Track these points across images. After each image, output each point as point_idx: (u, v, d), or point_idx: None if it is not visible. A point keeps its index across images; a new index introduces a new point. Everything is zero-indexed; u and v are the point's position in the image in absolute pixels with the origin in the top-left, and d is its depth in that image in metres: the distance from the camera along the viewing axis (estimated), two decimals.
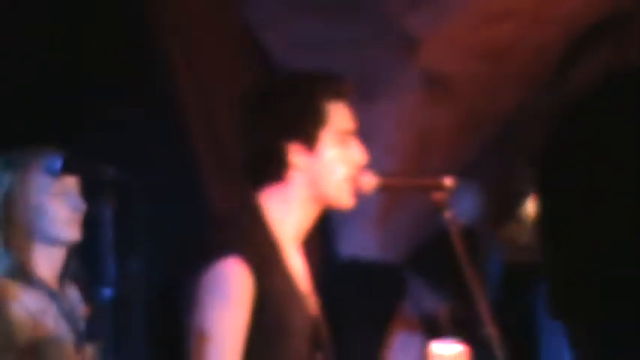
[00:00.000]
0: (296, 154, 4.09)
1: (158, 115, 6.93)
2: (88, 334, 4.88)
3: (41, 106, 6.69)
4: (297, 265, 4.21)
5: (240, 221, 4.14)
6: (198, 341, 3.99)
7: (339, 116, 4.14)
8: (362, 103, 4.45)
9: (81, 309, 4.98)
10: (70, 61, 6.93)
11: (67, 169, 4.45)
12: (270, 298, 4.03)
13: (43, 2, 6.79)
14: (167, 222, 6.30)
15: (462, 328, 4.88)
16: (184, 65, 6.79)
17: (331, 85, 4.19)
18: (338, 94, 4.18)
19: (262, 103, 4.18)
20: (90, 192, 4.68)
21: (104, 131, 6.87)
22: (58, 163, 4.37)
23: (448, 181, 4.35)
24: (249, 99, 4.24)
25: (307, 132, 4.10)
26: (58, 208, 4.80)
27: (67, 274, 4.93)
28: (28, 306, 4.81)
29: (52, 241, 4.84)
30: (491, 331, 4.24)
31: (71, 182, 4.80)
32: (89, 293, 4.88)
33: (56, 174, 4.51)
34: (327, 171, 4.14)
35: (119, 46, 6.95)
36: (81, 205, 4.78)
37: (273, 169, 4.13)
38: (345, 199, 4.19)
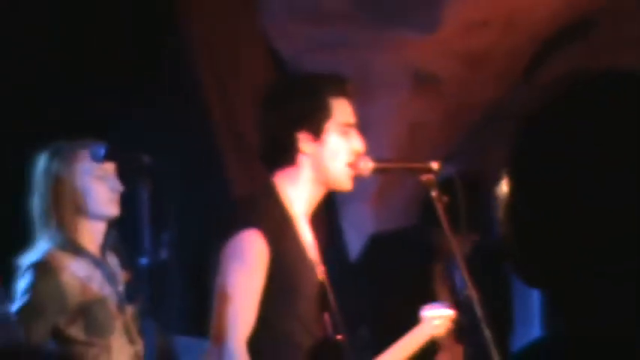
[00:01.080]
0: (304, 142, 4.15)
1: (187, 113, 6.94)
2: (128, 296, 4.94)
3: (85, 100, 6.64)
4: (306, 236, 4.26)
5: (259, 199, 4.20)
6: (219, 300, 4.05)
7: (341, 111, 4.20)
8: (361, 99, 4.50)
9: (121, 274, 5.03)
10: (113, 69, 6.88)
11: (109, 156, 4.49)
12: (282, 264, 4.07)
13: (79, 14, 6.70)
14: (194, 201, 6.33)
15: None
16: (209, 70, 6.80)
17: (335, 84, 4.24)
18: (341, 92, 4.23)
19: (277, 100, 4.23)
20: (129, 176, 4.74)
21: (141, 126, 6.87)
22: (102, 151, 4.41)
23: (434, 165, 4.40)
24: (265, 96, 4.30)
25: (314, 123, 4.16)
26: (100, 188, 4.86)
27: (107, 245, 5.00)
28: (77, 273, 4.84)
29: (95, 217, 4.90)
30: (471, 293, 4.30)
31: (110, 167, 4.86)
32: (129, 262, 4.94)
33: (100, 160, 4.55)
34: (330, 157, 4.19)
35: (157, 57, 6.95)
36: (118, 186, 4.85)
37: (286, 155, 4.18)
38: (344, 183, 4.25)
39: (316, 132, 4.16)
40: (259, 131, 4.30)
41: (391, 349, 4.86)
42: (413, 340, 4.80)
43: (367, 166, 4.27)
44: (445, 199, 4.33)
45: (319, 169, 4.19)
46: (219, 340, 4.01)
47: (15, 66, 6.54)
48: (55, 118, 6.46)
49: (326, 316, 4.27)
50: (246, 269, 4.03)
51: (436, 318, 4.81)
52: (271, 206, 4.15)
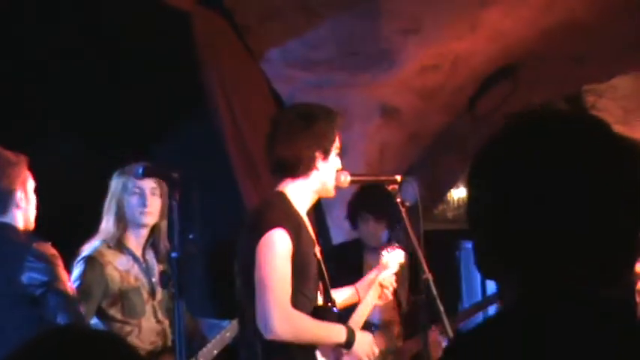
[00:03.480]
0: (318, 160, 4.16)
1: (209, 141, 6.91)
2: (162, 282, 4.89)
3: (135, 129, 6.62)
4: (309, 228, 4.26)
5: (277, 205, 4.18)
6: (263, 286, 4.01)
7: (337, 137, 4.24)
8: (341, 126, 4.48)
9: (156, 266, 5.00)
10: (161, 115, 6.85)
11: (146, 173, 4.44)
12: (301, 253, 4.13)
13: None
14: (213, 208, 6.28)
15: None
16: (225, 107, 6.75)
17: (338, 117, 4.26)
18: (338, 122, 4.27)
19: (304, 123, 4.21)
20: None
21: (175, 149, 6.85)
22: (140, 169, 4.37)
23: (398, 178, 4.39)
24: (293, 116, 4.26)
25: (327, 146, 4.19)
26: (135, 202, 4.87)
27: (147, 245, 4.98)
28: (119, 266, 4.86)
29: (132, 225, 4.91)
30: (427, 276, 4.25)
31: (147, 185, 4.86)
32: (164, 256, 4.93)
33: (139, 176, 4.51)
34: (331, 172, 4.22)
35: (190, 103, 6.92)
36: (145, 199, 4.87)
37: (304, 169, 4.18)
38: (331, 192, 4.27)
39: (327, 153, 4.18)
40: (280, 148, 4.22)
41: (360, 307, 4.73)
42: (371, 296, 4.71)
43: (346, 179, 4.29)
44: (407, 204, 4.31)
45: (321, 181, 4.21)
46: (278, 315, 3.96)
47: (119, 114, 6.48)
48: (145, 140, 6.52)
49: (321, 285, 4.28)
50: (279, 258, 4.02)
51: (392, 259, 4.75)
52: (289, 210, 4.14)
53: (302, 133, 4.17)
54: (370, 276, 4.71)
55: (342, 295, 4.65)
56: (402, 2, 6.23)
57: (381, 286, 4.67)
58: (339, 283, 4.63)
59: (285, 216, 4.10)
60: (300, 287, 4.09)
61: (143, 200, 4.86)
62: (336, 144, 4.24)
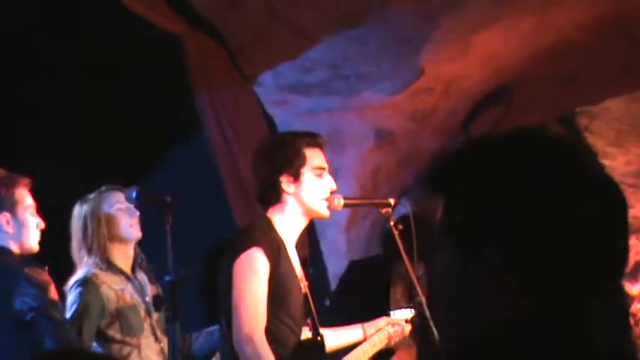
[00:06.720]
0: (286, 184, 4.18)
1: (202, 164, 6.91)
2: (156, 305, 4.91)
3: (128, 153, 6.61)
4: (294, 258, 4.26)
5: (258, 227, 4.21)
6: (237, 303, 4.03)
7: (314, 158, 4.24)
8: (335, 151, 4.51)
9: (149, 289, 5.02)
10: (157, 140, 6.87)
11: (140, 196, 4.48)
12: (278, 277, 4.11)
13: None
14: (207, 233, 6.29)
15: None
16: (218, 132, 6.76)
17: (307, 138, 4.28)
18: (313, 144, 4.27)
19: (264, 153, 4.26)
20: (155, 211, 4.73)
21: (168, 173, 6.86)
22: (134, 193, 4.40)
23: (391, 201, 4.42)
24: (256, 150, 4.33)
25: (292, 169, 4.20)
26: (123, 217, 4.87)
27: (137, 264, 5.00)
28: (113, 286, 4.86)
29: (123, 241, 4.91)
30: (421, 298, 4.28)
31: (123, 202, 4.87)
32: (158, 278, 4.94)
33: (133, 200, 4.55)
34: (307, 193, 4.22)
35: (183, 127, 6.94)
36: (135, 211, 4.86)
37: (273, 194, 4.21)
38: (322, 211, 4.27)
39: (295, 175, 4.19)
40: (255, 178, 4.33)
41: (363, 344, 4.79)
42: (378, 338, 4.75)
43: (340, 202, 4.30)
44: (400, 227, 4.33)
45: (300, 203, 4.23)
46: (244, 334, 3.97)
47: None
48: (139, 163, 6.52)
49: (309, 320, 4.27)
50: (255, 277, 4.04)
51: (401, 319, 4.76)
52: (268, 232, 4.16)
53: (261, 162, 4.26)
54: (380, 322, 4.72)
55: (347, 333, 4.64)
56: (395, 24, 6.27)
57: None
58: None
59: (265, 238, 4.12)
60: (277, 313, 4.09)
61: (132, 212, 4.88)
62: (314, 163, 4.23)
